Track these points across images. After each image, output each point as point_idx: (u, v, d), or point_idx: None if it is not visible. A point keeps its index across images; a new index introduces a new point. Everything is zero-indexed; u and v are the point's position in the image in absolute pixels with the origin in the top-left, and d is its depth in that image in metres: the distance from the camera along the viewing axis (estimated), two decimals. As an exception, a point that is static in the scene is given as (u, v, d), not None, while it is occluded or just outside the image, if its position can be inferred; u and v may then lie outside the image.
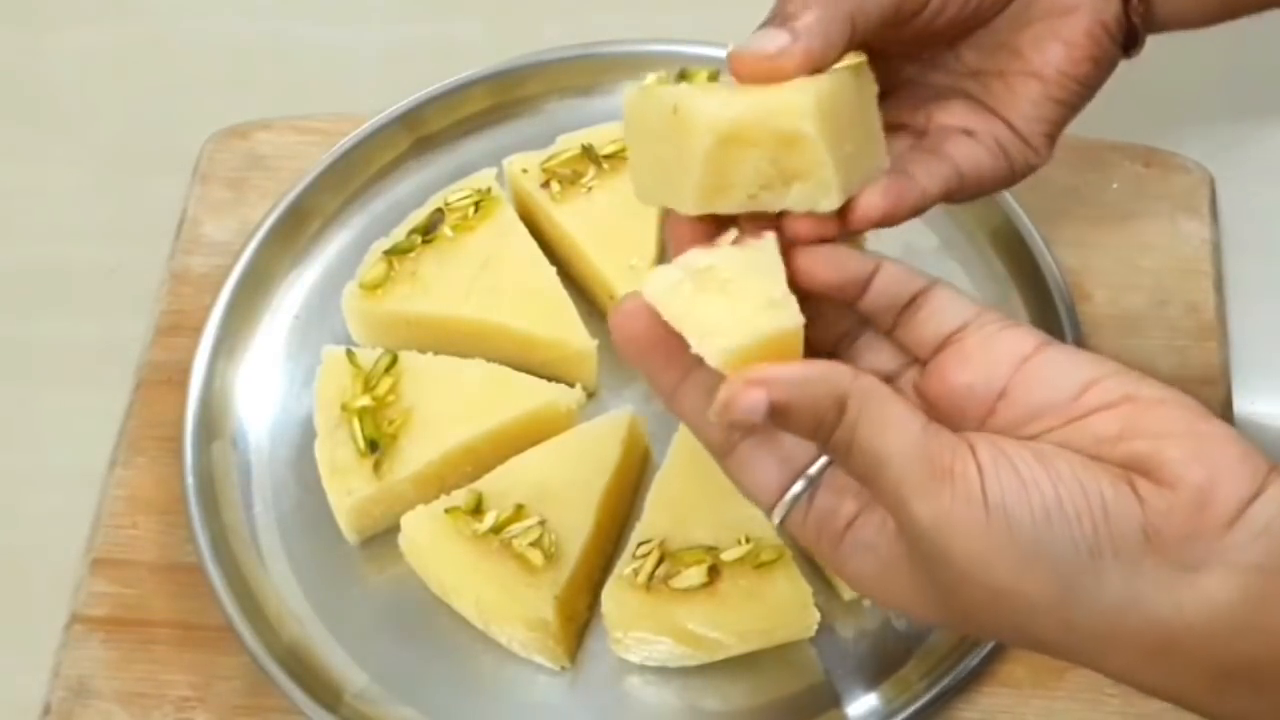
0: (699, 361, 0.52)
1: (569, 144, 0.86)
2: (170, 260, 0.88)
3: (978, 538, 0.49)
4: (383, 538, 0.78)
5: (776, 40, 0.55)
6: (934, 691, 0.72)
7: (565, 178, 0.85)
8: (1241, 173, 0.89)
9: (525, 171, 0.85)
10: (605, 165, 0.85)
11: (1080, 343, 0.79)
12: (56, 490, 0.82)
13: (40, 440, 0.85)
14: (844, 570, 0.54)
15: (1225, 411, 0.81)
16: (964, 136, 0.64)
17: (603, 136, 0.85)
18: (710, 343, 0.51)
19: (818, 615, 0.73)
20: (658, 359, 0.55)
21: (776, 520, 0.55)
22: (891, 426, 0.50)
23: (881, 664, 0.74)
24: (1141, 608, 0.49)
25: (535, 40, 0.92)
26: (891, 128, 0.63)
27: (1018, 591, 0.49)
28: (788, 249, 0.55)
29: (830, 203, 0.54)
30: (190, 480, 0.78)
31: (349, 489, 0.77)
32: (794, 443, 0.54)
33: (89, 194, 0.93)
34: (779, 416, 0.51)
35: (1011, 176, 0.65)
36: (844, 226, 0.56)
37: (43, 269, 0.90)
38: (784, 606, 0.72)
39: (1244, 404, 0.82)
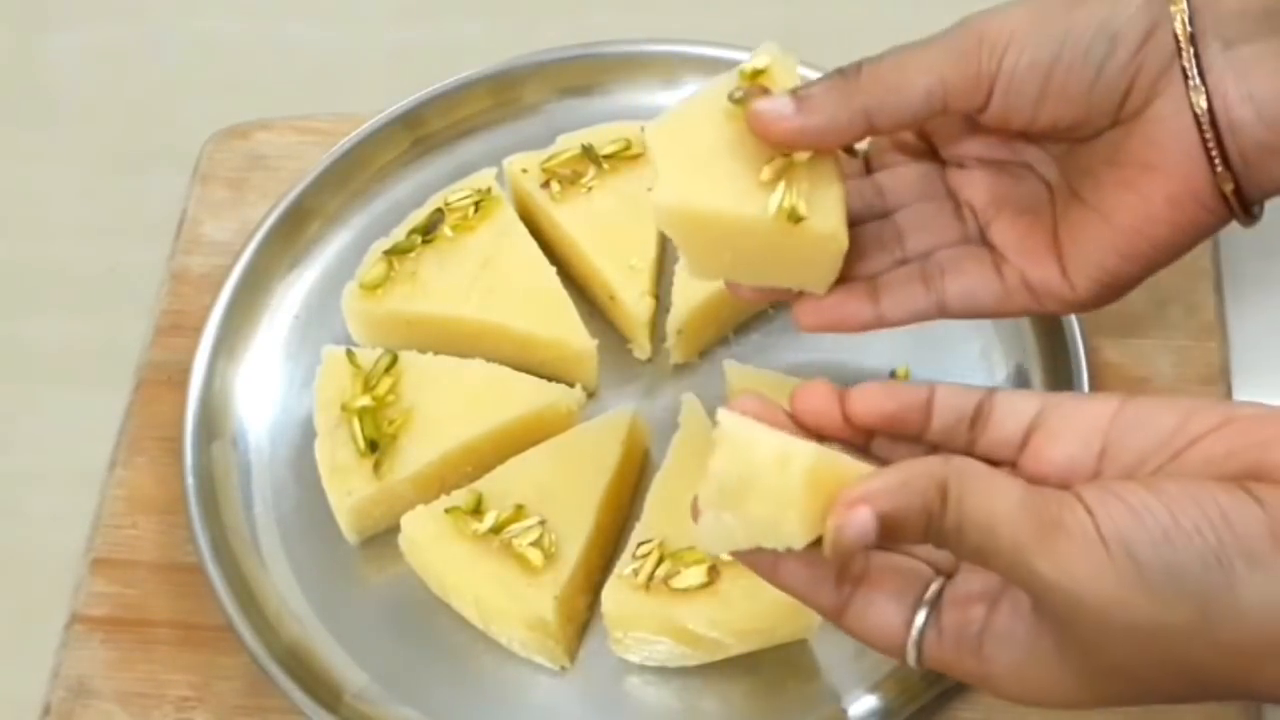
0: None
1: (569, 144, 0.85)
2: (170, 260, 0.88)
3: (1105, 577, 0.48)
4: (383, 538, 0.78)
5: (782, 108, 0.59)
6: (934, 691, 0.72)
7: (565, 178, 0.85)
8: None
9: (525, 171, 0.85)
10: (605, 165, 0.85)
11: (1084, 343, 0.78)
12: (56, 490, 0.82)
13: (40, 440, 0.85)
14: (994, 676, 0.53)
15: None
16: (986, 265, 0.64)
17: (603, 136, 0.85)
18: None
19: (818, 615, 0.72)
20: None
21: (912, 660, 0.54)
22: (996, 493, 0.50)
23: (882, 664, 0.74)
24: None
25: (535, 40, 0.92)
26: (960, 201, 0.65)
27: (1159, 624, 0.48)
28: (842, 398, 0.55)
29: None
30: (190, 480, 0.78)
31: (349, 489, 0.77)
32: (903, 578, 0.54)
33: (89, 194, 0.93)
34: (889, 528, 0.50)
35: (1033, 308, 0.65)
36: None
37: (43, 269, 0.90)
38: (784, 606, 0.72)
39: (1244, 404, 0.82)
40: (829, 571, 0.54)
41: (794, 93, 0.60)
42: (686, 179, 0.61)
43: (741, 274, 0.65)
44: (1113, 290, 0.64)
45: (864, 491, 0.50)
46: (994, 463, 0.53)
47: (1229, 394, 0.81)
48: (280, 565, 0.78)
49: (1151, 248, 0.62)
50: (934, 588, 0.54)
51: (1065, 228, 0.63)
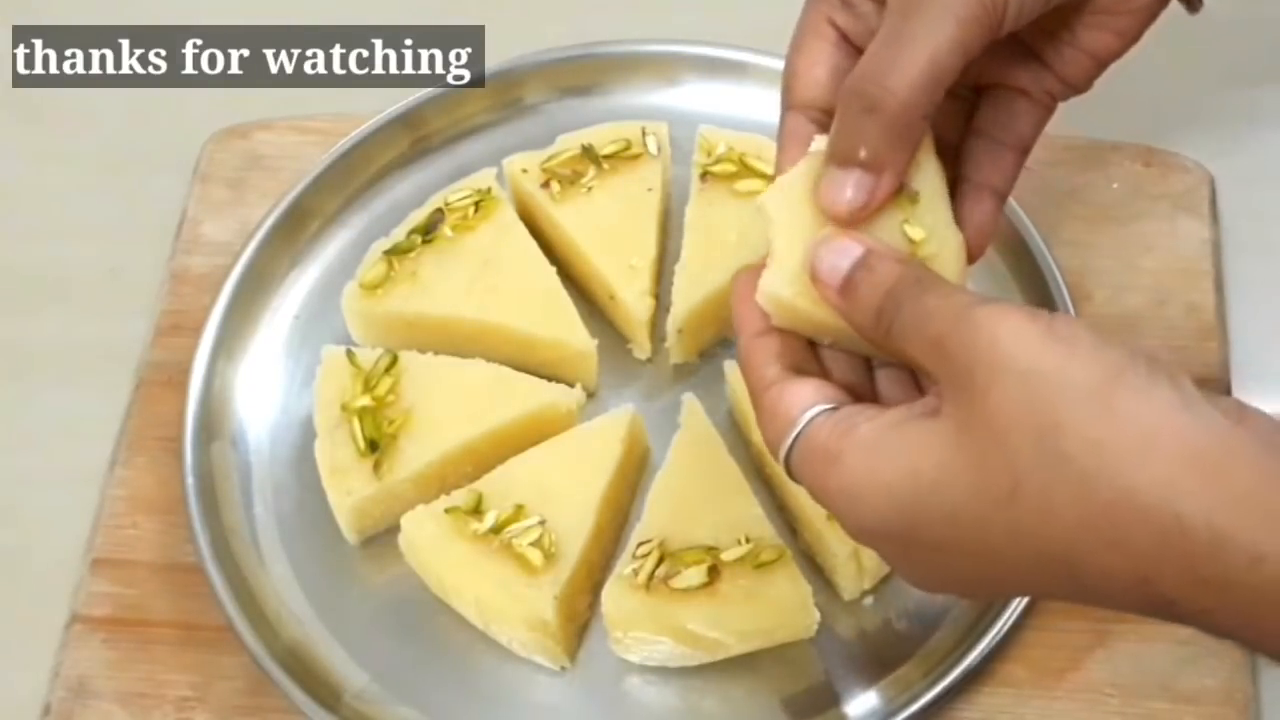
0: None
1: (569, 144, 0.85)
2: (170, 260, 0.88)
3: (1046, 354, 0.49)
4: (383, 538, 0.78)
5: (864, 186, 0.57)
6: (934, 691, 0.72)
7: (565, 178, 0.85)
8: (1241, 173, 0.89)
9: (525, 171, 0.85)
10: (605, 165, 0.85)
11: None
12: (56, 490, 0.82)
13: (40, 440, 0.85)
14: (841, 457, 0.53)
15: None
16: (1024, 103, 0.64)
17: (603, 136, 0.85)
18: None
19: (818, 615, 0.73)
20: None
21: (781, 457, 0.55)
22: (948, 286, 0.54)
23: (881, 664, 0.74)
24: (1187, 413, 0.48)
25: (535, 40, 0.92)
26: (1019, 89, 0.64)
27: (1064, 374, 0.49)
28: None
29: None
30: (190, 480, 0.78)
31: (349, 489, 0.77)
32: (821, 390, 0.56)
33: (89, 194, 0.93)
34: (848, 294, 0.55)
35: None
36: None
37: (43, 269, 0.90)
38: (784, 606, 0.72)
39: (1244, 404, 0.82)
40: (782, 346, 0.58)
41: (838, 163, 0.57)
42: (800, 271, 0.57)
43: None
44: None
45: (858, 239, 0.55)
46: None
47: (1229, 394, 0.81)
48: (280, 565, 0.78)
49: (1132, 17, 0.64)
50: (841, 405, 0.55)
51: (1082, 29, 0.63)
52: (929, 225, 0.58)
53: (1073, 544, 0.49)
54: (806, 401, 0.55)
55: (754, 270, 0.58)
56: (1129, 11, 0.63)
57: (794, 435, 0.55)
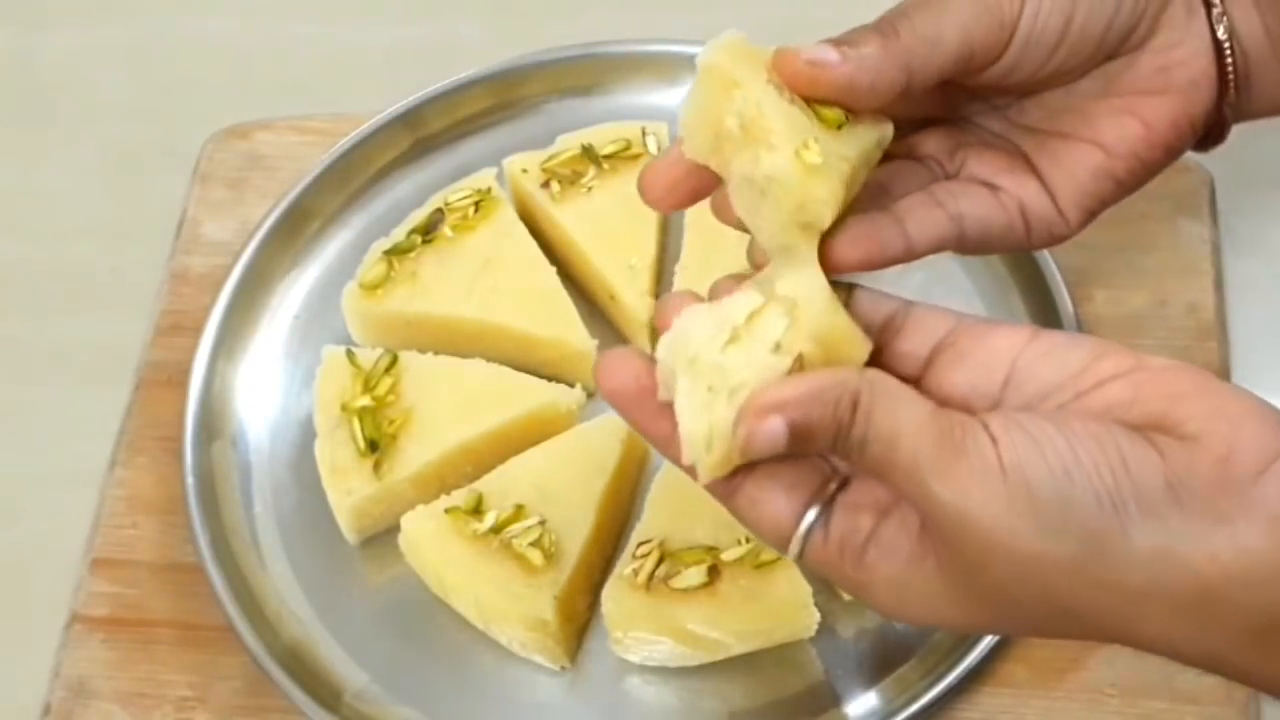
0: None
1: (569, 144, 0.86)
2: (170, 260, 0.88)
3: (998, 503, 0.48)
4: (383, 538, 0.78)
5: (826, 55, 0.55)
6: (934, 691, 0.72)
7: (565, 178, 0.85)
8: (1241, 173, 0.89)
9: (525, 171, 0.85)
10: (605, 165, 0.85)
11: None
12: (56, 490, 0.82)
13: (40, 440, 0.85)
14: (872, 585, 0.53)
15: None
16: (983, 191, 0.62)
17: (603, 136, 0.85)
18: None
19: (818, 615, 0.73)
20: (647, 410, 0.54)
21: (794, 554, 0.53)
22: (902, 408, 0.50)
23: (882, 664, 0.74)
24: (1174, 559, 0.48)
25: (535, 40, 0.92)
26: (919, 157, 0.63)
27: (1045, 555, 0.49)
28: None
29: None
30: (190, 480, 0.78)
31: (349, 489, 0.77)
32: (798, 472, 0.53)
33: (89, 194, 0.93)
34: (798, 437, 0.50)
35: (1025, 243, 0.63)
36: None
37: (43, 269, 0.90)
38: (784, 606, 0.72)
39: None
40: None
41: (835, 43, 0.56)
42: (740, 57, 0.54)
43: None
44: (1094, 218, 0.64)
45: (776, 400, 0.50)
46: (901, 378, 0.53)
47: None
48: (280, 565, 0.78)
49: (1145, 170, 0.63)
50: (831, 488, 0.53)
51: (1047, 163, 0.63)
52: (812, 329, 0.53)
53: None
54: (786, 515, 0.53)
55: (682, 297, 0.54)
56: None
57: (797, 551, 0.54)
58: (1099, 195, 0.63)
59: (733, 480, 0.53)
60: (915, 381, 0.54)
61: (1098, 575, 0.49)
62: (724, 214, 0.56)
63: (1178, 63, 0.63)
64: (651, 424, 0.54)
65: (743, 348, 0.52)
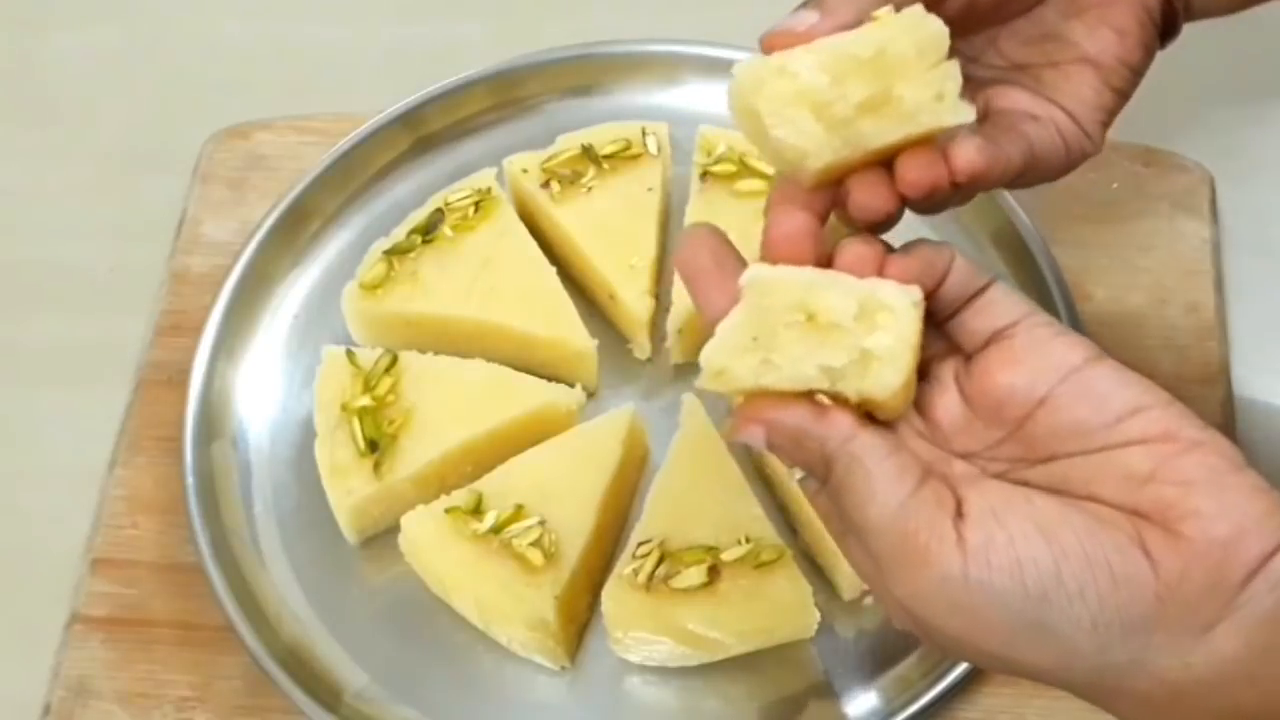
0: None
1: (569, 144, 0.86)
2: (170, 260, 0.88)
3: (959, 614, 0.49)
4: (383, 538, 0.78)
5: (806, 20, 0.55)
6: (934, 691, 0.72)
7: (565, 178, 0.85)
8: (1241, 173, 0.89)
9: (525, 171, 0.85)
10: (605, 165, 0.85)
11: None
12: (56, 490, 0.82)
13: (40, 440, 0.85)
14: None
15: (1225, 410, 0.81)
16: (1031, 120, 0.63)
17: (603, 136, 0.85)
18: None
19: (818, 615, 0.73)
20: (712, 279, 0.54)
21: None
22: (874, 498, 0.51)
23: (882, 663, 0.74)
24: (1148, 670, 0.49)
25: (535, 40, 0.92)
26: None
27: (1012, 658, 0.50)
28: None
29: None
30: (190, 480, 0.78)
31: (349, 489, 0.77)
32: None
33: (89, 194, 0.93)
34: (777, 451, 0.53)
35: (1068, 164, 0.64)
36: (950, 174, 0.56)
37: (43, 269, 0.90)
38: (784, 606, 0.72)
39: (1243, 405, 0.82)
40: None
41: (808, 2, 0.56)
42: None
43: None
44: (1109, 125, 0.66)
45: (767, 416, 0.53)
46: (956, 350, 0.54)
47: (1229, 394, 0.81)
48: (280, 565, 0.78)
49: (1134, 73, 0.65)
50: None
51: (1051, 92, 0.64)
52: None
53: None
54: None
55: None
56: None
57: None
58: (1107, 108, 0.65)
59: None
60: (966, 359, 0.54)
61: (1066, 678, 0.50)
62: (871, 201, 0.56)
63: None
64: (706, 303, 0.54)
65: (801, 335, 0.52)
